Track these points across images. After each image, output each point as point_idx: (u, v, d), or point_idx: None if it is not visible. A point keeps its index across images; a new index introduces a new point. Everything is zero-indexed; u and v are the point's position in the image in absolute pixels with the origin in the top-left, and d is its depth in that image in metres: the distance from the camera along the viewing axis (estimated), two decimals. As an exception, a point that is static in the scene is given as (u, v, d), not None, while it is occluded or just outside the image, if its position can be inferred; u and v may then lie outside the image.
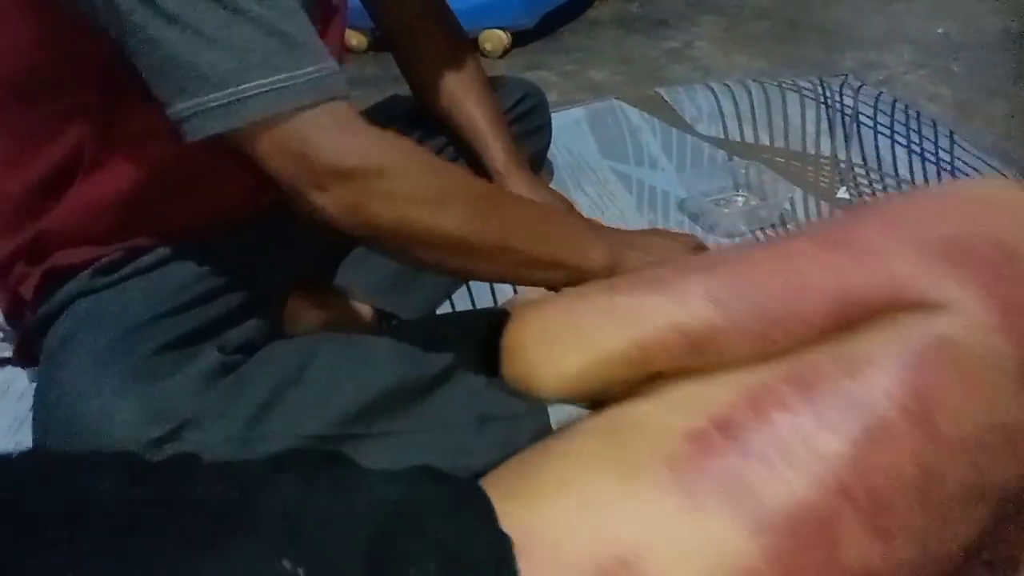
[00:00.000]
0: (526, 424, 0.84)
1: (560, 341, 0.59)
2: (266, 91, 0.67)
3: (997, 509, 0.54)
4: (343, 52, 0.98)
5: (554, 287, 0.98)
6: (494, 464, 0.82)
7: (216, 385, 0.73)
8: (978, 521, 0.53)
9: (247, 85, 0.67)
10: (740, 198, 1.26)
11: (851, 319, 0.53)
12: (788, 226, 1.21)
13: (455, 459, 0.79)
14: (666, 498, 0.50)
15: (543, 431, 0.86)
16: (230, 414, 0.73)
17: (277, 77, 0.67)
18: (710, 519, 0.49)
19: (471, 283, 1.13)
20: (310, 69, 0.69)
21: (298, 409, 0.75)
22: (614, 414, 0.57)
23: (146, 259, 0.81)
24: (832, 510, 0.49)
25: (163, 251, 0.82)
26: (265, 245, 0.89)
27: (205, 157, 0.73)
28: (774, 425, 0.50)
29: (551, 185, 1.34)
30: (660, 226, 1.24)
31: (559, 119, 1.36)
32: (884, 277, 0.53)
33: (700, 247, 0.88)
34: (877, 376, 0.51)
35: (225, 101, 0.67)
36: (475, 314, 1.06)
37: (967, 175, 1.31)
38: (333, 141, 0.70)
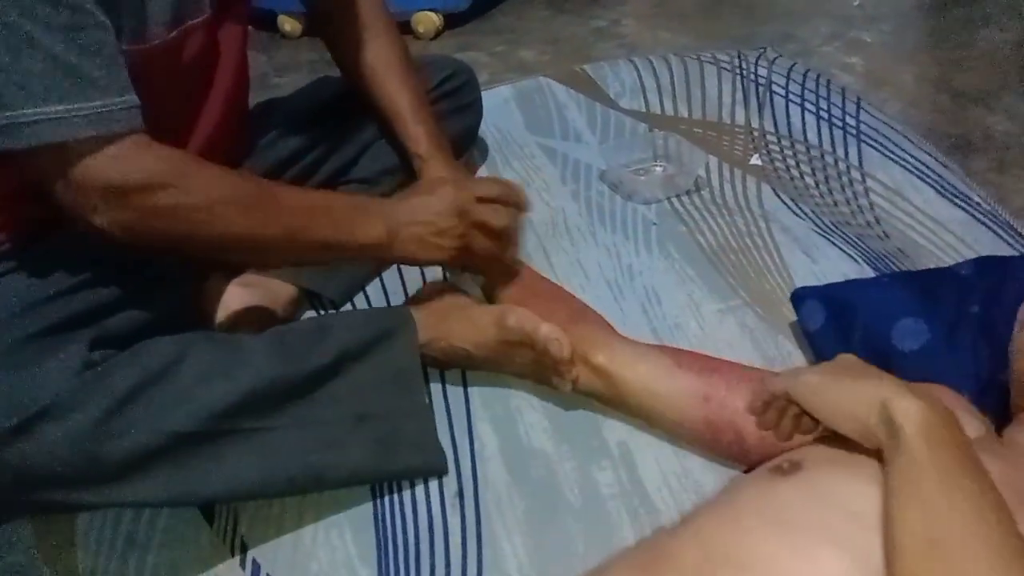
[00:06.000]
0: (407, 424, 0.88)
1: None
2: (45, 119, 0.72)
3: None
4: (246, 42, 1.01)
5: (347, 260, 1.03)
6: (369, 460, 0.85)
7: (78, 377, 0.74)
8: None
9: (26, 111, 0.72)
10: (658, 168, 1.32)
11: None
12: (702, 192, 1.27)
13: (326, 453, 0.82)
14: None
15: (426, 431, 0.89)
16: (85, 406, 0.73)
17: (57, 108, 0.72)
18: None
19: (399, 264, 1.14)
20: (95, 104, 0.74)
21: (160, 405, 0.76)
22: None
23: (16, 252, 0.85)
24: None
25: (33, 246, 0.85)
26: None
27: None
28: None
29: (484, 162, 1.39)
30: (582, 193, 1.29)
31: (488, 98, 1.40)
32: None
33: (463, 201, 0.93)
34: None
35: (4, 123, 0.72)
36: (370, 313, 1.05)
37: (873, 139, 1.38)
38: (109, 166, 0.76)
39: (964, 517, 0.56)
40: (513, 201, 0.98)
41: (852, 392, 0.65)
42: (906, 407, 0.60)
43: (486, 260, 0.98)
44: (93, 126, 0.74)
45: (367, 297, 1.11)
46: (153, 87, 0.80)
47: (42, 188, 0.78)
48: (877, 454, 0.63)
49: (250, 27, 1.05)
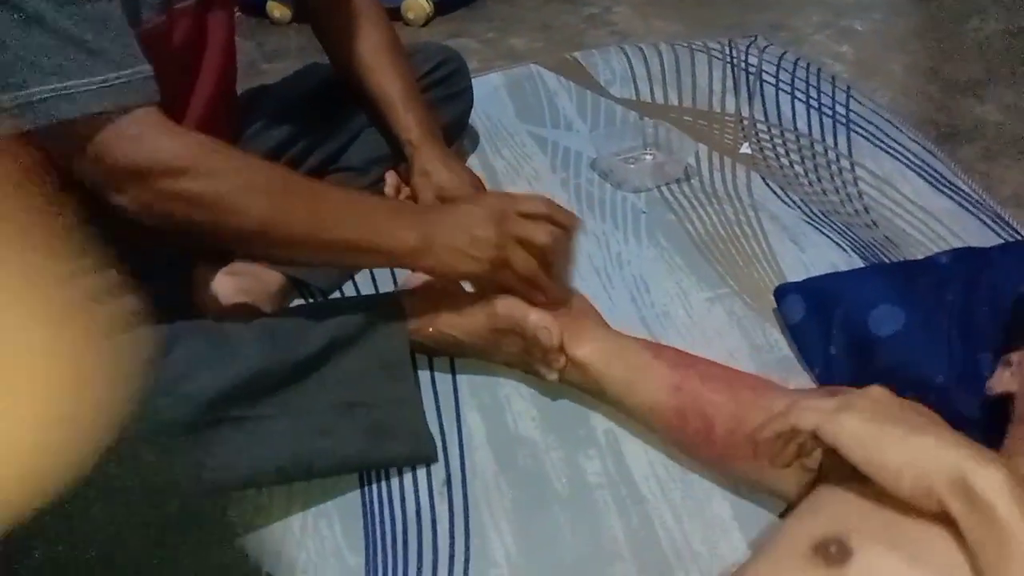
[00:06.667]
0: (397, 411, 0.87)
1: None
2: (56, 96, 0.71)
3: None
4: (233, 28, 1.00)
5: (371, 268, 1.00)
6: (359, 448, 0.84)
7: None
8: None
9: (36, 89, 0.70)
10: (648, 156, 1.32)
11: None
12: (692, 181, 1.27)
13: (316, 441, 0.82)
14: None
15: (415, 418, 0.88)
16: None
17: (68, 83, 0.71)
18: None
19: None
20: (106, 76, 0.73)
21: (148, 395, 0.73)
22: None
23: None
24: None
25: None
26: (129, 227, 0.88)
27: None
28: None
29: (474, 151, 1.39)
30: (571, 181, 1.29)
31: (478, 86, 1.39)
32: None
33: (504, 213, 0.86)
34: None
35: (16, 103, 0.71)
36: (359, 301, 1.04)
37: (862, 128, 1.38)
38: (130, 145, 0.74)
39: None
40: (559, 221, 0.89)
41: (911, 451, 0.59)
42: (991, 480, 0.55)
43: (524, 280, 0.88)
44: (106, 99, 0.73)
45: (356, 285, 1.11)
46: None
47: (68, 170, 0.76)
48: (926, 516, 0.59)
49: (238, 13, 1.05)
